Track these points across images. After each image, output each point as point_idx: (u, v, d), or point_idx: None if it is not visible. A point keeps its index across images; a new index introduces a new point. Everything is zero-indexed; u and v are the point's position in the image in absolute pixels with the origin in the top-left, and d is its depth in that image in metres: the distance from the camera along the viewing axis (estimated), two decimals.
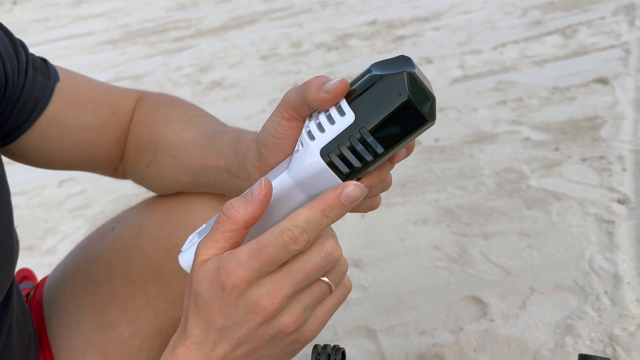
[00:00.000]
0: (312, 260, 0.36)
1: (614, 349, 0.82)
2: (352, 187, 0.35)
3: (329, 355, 0.37)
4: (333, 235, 0.38)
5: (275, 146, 0.43)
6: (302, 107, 0.40)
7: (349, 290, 0.40)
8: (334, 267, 0.38)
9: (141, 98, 0.64)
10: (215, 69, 2.89)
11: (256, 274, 0.36)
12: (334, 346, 0.38)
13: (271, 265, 0.36)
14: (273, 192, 0.38)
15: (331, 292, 0.38)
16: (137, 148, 0.62)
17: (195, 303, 0.38)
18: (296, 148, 0.40)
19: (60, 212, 1.86)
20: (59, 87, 0.58)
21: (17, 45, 0.55)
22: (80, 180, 2.07)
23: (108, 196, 1.89)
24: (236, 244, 0.38)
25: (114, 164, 0.64)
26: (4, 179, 0.52)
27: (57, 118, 0.57)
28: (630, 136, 1.38)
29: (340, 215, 0.36)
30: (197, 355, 0.39)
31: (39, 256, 1.62)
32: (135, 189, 1.91)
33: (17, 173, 1.72)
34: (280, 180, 0.39)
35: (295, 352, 0.40)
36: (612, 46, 1.96)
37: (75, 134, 0.59)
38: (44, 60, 0.59)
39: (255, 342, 0.38)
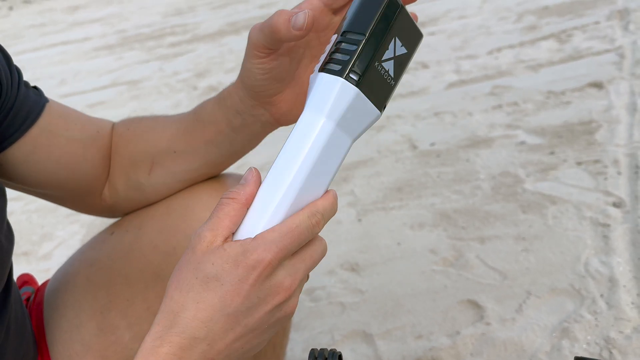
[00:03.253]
0: (318, 250, 0.40)
1: (610, 352, 0.82)
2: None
3: (326, 359, 0.38)
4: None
5: (267, 80, 0.47)
6: (272, 43, 0.44)
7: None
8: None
9: (114, 124, 0.67)
10: (212, 74, 2.90)
11: (285, 253, 0.38)
12: (331, 350, 0.38)
13: (298, 245, 0.39)
14: (315, 141, 0.39)
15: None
16: (129, 163, 0.63)
17: (205, 287, 0.38)
18: (313, 88, 0.39)
19: (56, 218, 1.85)
20: (49, 105, 0.60)
21: (10, 60, 0.57)
22: None
23: None
24: (237, 223, 0.41)
25: (100, 186, 0.65)
26: None
27: (48, 129, 0.59)
28: (625, 140, 1.39)
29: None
30: (191, 354, 0.37)
31: (35, 262, 1.61)
32: None
33: None
34: (313, 125, 0.39)
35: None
36: (607, 51, 1.98)
37: (64, 145, 0.60)
38: (36, 87, 0.62)
39: (259, 329, 0.39)
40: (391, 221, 1.32)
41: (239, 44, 3.38)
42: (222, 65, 3.01)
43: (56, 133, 0.59)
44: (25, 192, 0.63)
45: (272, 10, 3.88)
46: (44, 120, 0.58)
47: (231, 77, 2.79)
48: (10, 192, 0.59)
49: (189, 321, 0.38)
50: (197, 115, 0.57)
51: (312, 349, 0.38)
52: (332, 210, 0.41)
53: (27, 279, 0.73)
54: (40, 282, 0.74)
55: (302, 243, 0.39)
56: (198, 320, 0.38)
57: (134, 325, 0.61)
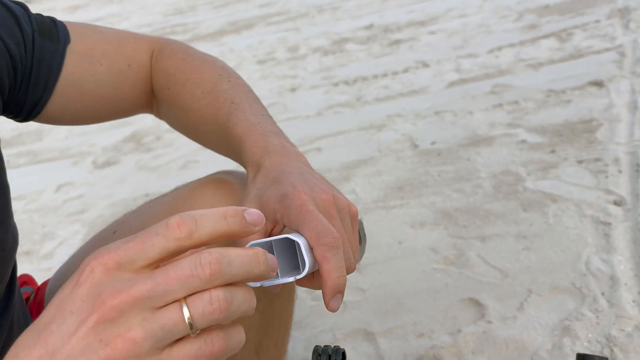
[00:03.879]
0: (181, 265, 0.29)
1: (612, 350, 0.82)
2: (257, 212, 0.33)
3: (330, 356, 0.38)
4: (232, 262, 0.30)
5: None
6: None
7: (221, 351, 0.30)
8: (209, 300, 0.29)
9: (154, 58, 0.64)
10: None
11: (118, 259, 0.29)
12: (335, 346, 0.38)
13: (140, 252, 0.29)
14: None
15: (191, 334, 0.29)
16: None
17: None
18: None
19: (57, 217, 1.85)
20: (70, 49, 0.58)
21: (19, 18, 0.55)
22: (77, 185, 2.07)
23: (105, 201, 1.89)
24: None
25: (147, 108, 0.66)
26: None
27: (73, 80, 0.58)
28: (625, 138, 1.39)
29: (238, 226, 0.31)
30: None
31: (37, 261, 1.61)
32: (132, 194, 1.91)
33: (15, 178, 1.72)
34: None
35: None
36: (607, 49, 1.98)
37: (95, 90, 0.60)
38: (53, 21, 0.59)
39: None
40: (392, 220, 1.32)
41: (240, 43, 3.37)
42: None
43: (82, 82, 0.59)
44: None
45: (272, 10, 3.88)
46: (67, 71, 0.58)
47: None
48: (10, 192, 0.59)
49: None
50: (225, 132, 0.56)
51: (316, 346, 0.38)
52: (218, 218, 0.30)
53: (26, 279, 0.73)
54: (40, 281, 0.74)
55: (145, 250, 0.29)
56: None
57: None
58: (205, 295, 0.29)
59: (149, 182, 1.94)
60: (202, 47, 3.67)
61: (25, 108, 0.57)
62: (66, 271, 0.66)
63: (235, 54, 3.15)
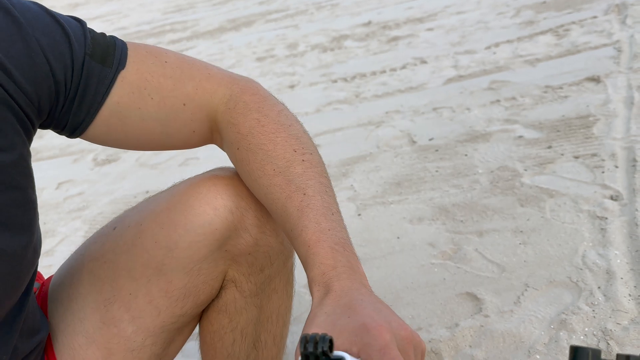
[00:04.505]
0: None
1: (608, 344, 0.83)
2: None
3: (317, 343, 0.37)
4: None
5: None
6: None
7: None
8: None
9: (226, 106, 0.59)
10: None
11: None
12: (322, 334, 0.37)
13: None
14: None
15: None
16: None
17: None
18: None
19: (58, 214, 1.86)
20: (122, 75, 0.55)
21: (71, 38, 0.53)
22: (78, 182, 2.08)
23: (106, 197, 1.90)
24: None
25: (199, 144, 0.62)
26: (9, 179, 0.51)
27: (117, 110, 0.56)
28: (622, 133, 1.39)
29: None
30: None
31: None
32: (133, 191, 1.92)
33: None
34: None
35: None
36: (604, 45, 1.98)
37: (139, 124, 0.57)
38: (114, 42, 0.56)
39: None
40: (390, 215, 1.33)
41: (239, 40, 3.37)
42: (222, 61, 3.02)
43: (127, 114, 0.56)
44: None
45: (271, 7, 3.87)
46: (112, 100, 0.55)
47: None
48: None
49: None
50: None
51: (304, 335, 0.38)
52: None
53: None
54: (45, 277, 0.75)
55: None
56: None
57: (137, 319, 0.62)
58: None
59: (149, 179, 1.95)
60: (202, 44, 3.67)
61: (67, 127, 0.56)
62: (69, 267, 0.67)
63: (235, 51, 3.16)
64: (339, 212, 0.54)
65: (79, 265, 0.65)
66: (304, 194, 0.53)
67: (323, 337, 0.34)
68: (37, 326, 0.60)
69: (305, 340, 0.34)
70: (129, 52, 0.57)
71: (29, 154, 0.53)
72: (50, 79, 0.52)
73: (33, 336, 0.59)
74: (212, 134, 0.61)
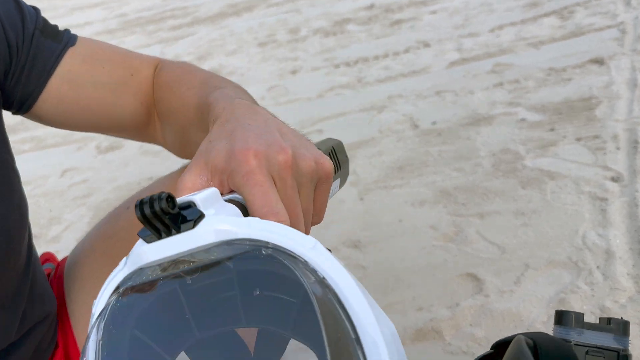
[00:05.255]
0: None
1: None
2: None
3: (152, 202, 0.29)
4: None
5: None
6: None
7: None
8: None
9: (156, 73, 0.64)
10: (214, 56, 2.90)
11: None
12: (158, 194, 0.30)
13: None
14: None
15: None
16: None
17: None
18: None
19: (63, 201, 1.88)
20: (72, 50, 0.58)
21: (25, 15, 0.56)
22: (82, 170, 2.09)
23: (110, 184, 1.92)
24: None
25: (141, 127, 0.64)
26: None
27: (69, 78, 0.58)
28: (624, 115, 1.39)
29: None
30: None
31: (44, 245, 1.64)
32: (136, 177, 1.94)
33: (20, 164, 1.75)
34: None
35: None
36: (609, 26, 1.97)
37: (91, 92, 0.59)
38: (64, 30, 0.60)
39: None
40: (392, 199, 1.34)
41: (240, 25, 3.36)
42: (224, 47, 3.01)
43: (79, 81, 0.58)
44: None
45: None
46: (63, 69, 0.57)
47: (232, 60, 2.79)
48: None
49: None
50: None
51: (139, 200, 0.30)
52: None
53: (48, 257, 0.76)
54: (58, 259, 0.77)
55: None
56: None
57: None
58: None
59: (152, 165, 1.97)
60: (203, 30, 3.66)
61: (16, 100, 0.57)
62: (83, 247, 0.68)
63: (236, 36, 3.15)
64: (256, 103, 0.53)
65: (93, 244, 0.67)
66: (218, 88, 0.52)
67: (159, 196, 0.30)
68: (46, 295, 0.62)
69: (140, 203, 0.30)
70: (79, 37, 0.60)
71: None
72: (4, 42, 0.53)
73: (42, 304, 0.61)
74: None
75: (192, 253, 0.31)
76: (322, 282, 0.29)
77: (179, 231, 0.31)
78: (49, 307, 0.62)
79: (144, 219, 0.30)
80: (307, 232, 0.39)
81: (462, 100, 1.75)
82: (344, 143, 0.53)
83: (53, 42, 0.57)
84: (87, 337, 0.32)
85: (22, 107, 0.58)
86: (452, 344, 0.89)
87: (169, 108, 0.59)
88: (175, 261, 0.31)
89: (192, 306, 0.33)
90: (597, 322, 0.34)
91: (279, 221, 0.34)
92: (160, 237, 0.32)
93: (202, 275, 0.31)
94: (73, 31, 0.62)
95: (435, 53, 2.21)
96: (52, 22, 0.61)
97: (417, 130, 1.65)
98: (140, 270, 0.32)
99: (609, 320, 0.33)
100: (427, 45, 2.32)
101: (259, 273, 0.31)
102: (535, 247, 1.03)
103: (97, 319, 0.32)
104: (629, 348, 0.32)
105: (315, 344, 0.31)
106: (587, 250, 0.99)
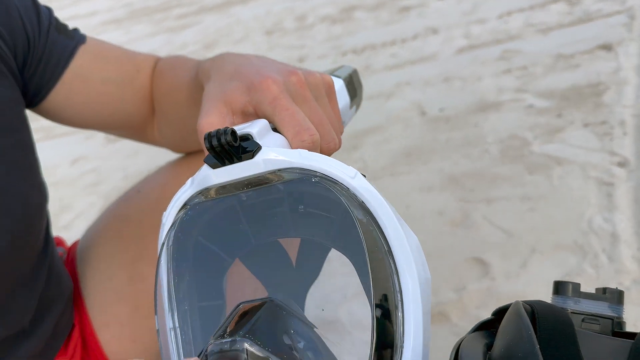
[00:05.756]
0: None
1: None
2: None
3: (219, 135, 0.35)
4: None
5: None
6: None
7: None
8: None
9: (158, 63, 0.67)
10: (220, 45, 2.91)
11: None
12: (223, 129, 0.36)
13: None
14: None
15: None
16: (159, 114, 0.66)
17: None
18: None
19: (74, 190, 1.91)
20: (83, 47, 0.61)
21: (40, 11, 0.59)
22: (91, 159, 2.12)
23: (119, 173, 1.94)
24: None
25: (143, 125, 0.67)
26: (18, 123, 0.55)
27: (80, 73, 0.61)
28: (632, 101, 1.39)
29: None
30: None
31: (56, 232, 1.66)
32: (146, 166, 1.95)
33: None
34: None
35: None
36: (618, 12, 1.95)
37: (100, 87, 0.62)
38: (75, 29, 0.63)
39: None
40: (400, 186, 1.35)
41: (247, 13, 3.36)
42: (230, 36, 3.01)
43: (89, 76, 0.61)
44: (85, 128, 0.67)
45: None
46: (76, 64, 0.60)
47: (239, 48, 2.80)
48: None
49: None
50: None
51: (207, 133, 0.36)
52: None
53: (58, 241, 0.78)
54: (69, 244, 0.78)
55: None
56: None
57: None
58: None
59: (160, 155, 1.98)
60: (209, 18, 3.66)
61: (30, 92, 0.59)
62: (95, 229, 0.70)
63: (243, 25, 3.14)
64: None
65: (106, 226, 0.69)
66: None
67: (224, 131, 0.35)
68: (62, 275, 0.64)
69: (208, 136, 0.35)
70: (88, 36, 0.64)
71: (21, 101, 0.57)
72: (23, 34, 0.56)
73: (59, 284, 0.63)
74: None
75: (249, 177, 0.37)
76: (362, 205, 0.35)
77: (240, 160, 0.37)
78: (65, 286, 0.64)
79: (211, 149, 0.36)
80: (338, 138, 0.44)
81: (469, 87, 1.75)
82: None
83: (66, 39, 0.60)
84: (162, 244, 0.38)
85: (35, 99, 0.60)
86: (459, 325, 0.90)
87: (162, 92, 0.62)
88: (234, 184, 0.37)
89: (247, 218, 0.39)
90: (594, 291, 0.35)
91: (310, 136, 0.40)
92: (224, 164, 0.37)
93: (256, 193, 0.37)
94: (79, 21, 0.64)
95: (443, 40, 2.20)
96: (58, 12, 0.64)
97: (424, 117, 1.66)
98: (205, 189, 0.38)
99: (604, 290, 0.34)
100: (435, 32, 2.31)
101: (305, 194, 0.37)
102: (541, 232, 1.04)
103: (168, 229, 0.38)
104: (623, 316, 0.33)
105: (352, 254, 0.38)
106: (593, 234, 1.00)
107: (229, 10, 3.48)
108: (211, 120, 0.41)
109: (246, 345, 0.33)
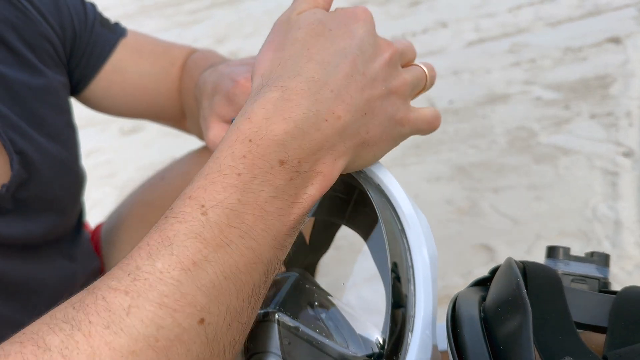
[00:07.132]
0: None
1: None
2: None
3: None
4: None
5: None
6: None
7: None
8: (432, 68, 0.48)
9: (191, 55, 0.70)
10: (231, 39, 2.94)
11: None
12: None
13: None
14: None
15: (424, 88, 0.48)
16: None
17: (312, 33, 0.34)
18: None
19: (90, 180, 1.95)
20: (123, 41, 0.66)
21: (86, 7, 0.64)
22: (106, 150, 2.16)
23: (134, 164, 1.98)
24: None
25: (179, 114, 0.71)
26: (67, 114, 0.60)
27: (119, 66, 0.65)
28: (638, 92, 1.41)
29: None
30: (307, 95, 0.30)
31: None
32: (160, 157, 2.00)
33: None
34: None
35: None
36: (627, 5, 1.96)
37: (137, 80, 0.66)
38: (116, 23, 0.68)
39: (378, 90, 0.34)
40: (409, 176, 1.38)
41: (257, 7, 3.38)
42: (241, 30, 3.04)
43: (127, 69, 0.65)
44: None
45: None
46: (116, 57, 0.65)
47: (250, 43, 2.83)
48: None
49: (302, 64, 0.31)
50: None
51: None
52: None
53: None
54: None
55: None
56: (313, 62, 0.31)
57: None
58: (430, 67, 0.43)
59: (174, 146, 2.02)
60: (220, 13, 3.69)
61: (73, 81, 0.64)
62: (119, 213, 0.74)
63: (253, 19, 3.17)
64: None
65: (130, 211, 0.73)
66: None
67: None
68: (91, 255, 0.68)
69: None
70: (129, 30, 0.68)
71: (69, 87, 0.62)
72: (72, 28, 0.60)
73: (91, 260, 0.67)
74: None
75: None
76: (378, 187, 0.39)
77: None
78: (95, 264, 0.68)
79: None
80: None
81: (478, 80, 1.78)
82: None
83: (109, 32, 0.65)
84: None
85: (77, 87, 0.65)
86: None
87: (184, 87, 0.66)
88: None
89: None
90: (583, 255, 0.39)
91: None
92: None
93: None
94: None
95: (452, 33, 2.22)
96: None
97: None
98: None
99: (592, 254, 0.38)
100: (444, 25, 2.32)
101: None
102: (546, 219, 1.07)
103: None
104: (609, 278, 0.37)
105: (363, 231, 0.41)
106: (597, 221, 1.02)
107: (239, 5, 3.51)
108: (215, 133, 0.46)
109: (278, 316, 0.36)
